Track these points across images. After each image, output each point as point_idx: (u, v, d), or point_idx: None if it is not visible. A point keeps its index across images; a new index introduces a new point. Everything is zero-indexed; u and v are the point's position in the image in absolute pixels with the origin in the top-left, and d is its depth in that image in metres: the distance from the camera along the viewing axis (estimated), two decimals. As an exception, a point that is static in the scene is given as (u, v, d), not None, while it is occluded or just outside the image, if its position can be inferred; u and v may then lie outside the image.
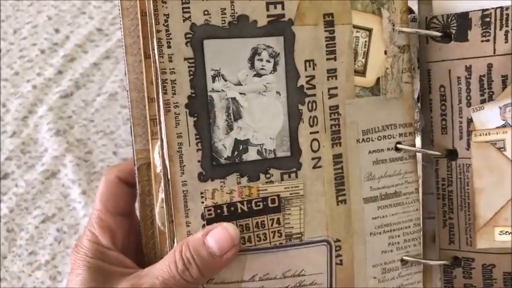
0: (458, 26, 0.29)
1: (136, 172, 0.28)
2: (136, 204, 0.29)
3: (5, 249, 0.49)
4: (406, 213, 0.30)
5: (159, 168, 0.27)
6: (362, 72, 0.29)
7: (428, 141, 0.31)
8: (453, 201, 0.31)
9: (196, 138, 0.25)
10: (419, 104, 0.31)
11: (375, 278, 0.30)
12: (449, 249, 0.32)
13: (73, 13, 0.59)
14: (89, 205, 0.47)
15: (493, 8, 0.28)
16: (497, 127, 0.29)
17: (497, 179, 0.29)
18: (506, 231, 0.30)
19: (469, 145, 0.30)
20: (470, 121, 0.29)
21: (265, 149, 0.27)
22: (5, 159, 0.52)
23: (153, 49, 0.25)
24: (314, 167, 0.28)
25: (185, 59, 0.25)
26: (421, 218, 0.31)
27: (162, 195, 0.27)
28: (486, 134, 0.29)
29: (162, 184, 0.27)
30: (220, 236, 0.25)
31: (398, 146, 0.30)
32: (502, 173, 0.29)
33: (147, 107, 0.26)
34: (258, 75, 0.26)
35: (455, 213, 0.31)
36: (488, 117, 0.29)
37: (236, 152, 0.26)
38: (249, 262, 0.27)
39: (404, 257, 0.30)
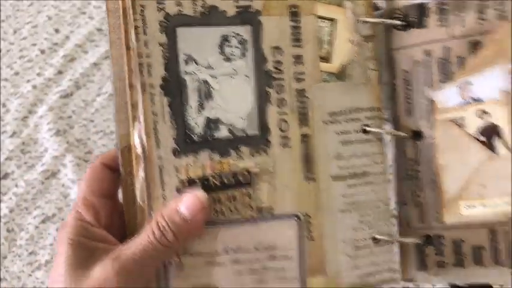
0: (418, 15, 0.31)
1: (119, 155, 0.30)
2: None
3: (5, 249, 0.49)
4: (375, 193, 0.32)
5: (139, 150, 0.29)
6: (328, 59, 0.31)
7: (395, 124, 0.33)
8: (421, 180, 0.32)
9: (170, 117, 0.28)
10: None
11: (346, 254, 0.31)
12: (421, 229, 0.33)
13: (73, 13, 0.58)
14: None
15: (449, -3, 0.31)
16: (457, 105, 0.30)
17: (459, 155, 0.30)
18: (472, 205, 0.31)
19: (432, 125, 0.31)
20: (432, 102, 0.31)
21: (236, 127, 0.29)
22: (5, 159, 0.52)
23: (131, 37, 0.28)
24: (283, 146, 0.30)
25: (160, 44, 0.28)
26: (394, 199, 0.32)
27: (142, 173, 0.30)
28: (447, 112, 0.31)
29: (142, 163, 0.29)
30: (190, 201, 0.27)
31: (366, 128, 0.31)
32: (463, 149, 0.30)
33: (128, 93, 0.29)
34: (228, 59, 0.29)
35: (423, 191, 0.32)
36: (448, 96, 0.30)
37: (208, 130, 0.29)
38: (222, 234, 0.29)
39: (376, 236, 0.32)
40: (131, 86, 0.29)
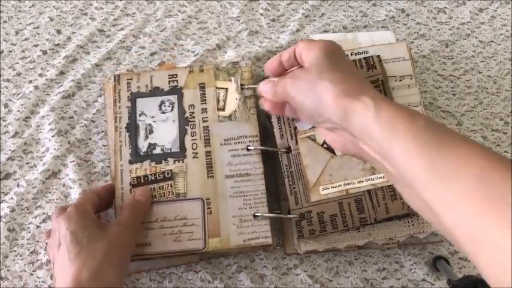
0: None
1: (112, 179, 0.52)
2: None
3: (7, 248, 0.48)
4: (255, 186, 0.49)
5: (113, 168, 0.51)
6: (223, 109, 0.52)
7: (274, 145, 0.51)
8: (294, 176, 0.49)
9: (128, 143, 0.51)
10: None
11: (234, 224, 0.48)
12: (296, 209, 0.48)
13: (74, 14, 0.58)
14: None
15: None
16: (310, 128, 0.49)
17: (315, 157, 0.48)
18: (326, 187, 0.48)
19: (296, 141, 0.50)
20: (295, 128, 0.50)
21: (165, 147, 0.50)
22: (6, 159, 0.51)
23: (115, 104, 0.52)
24: (193, 158, 0.50)
25: (127, 107, 0.52)
26: (266, 190, 0.49)
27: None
28: (305, 133, 0.50)
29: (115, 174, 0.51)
30: (142, 192, 0.47)
31: (249, 147, 0.51)
32: (316, 153, 0.48)
33: (113, 132, 0.53)
34: (163, 112, 0.52)
35: (296, 183, 0.49)
36: (304, 124, 0.50)
37: (149, 149, 0.50)
38: (154, 209, 0.48)
39: (255, 214, 0.48)
40: (114, 128, 0.52)
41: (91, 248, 0.40)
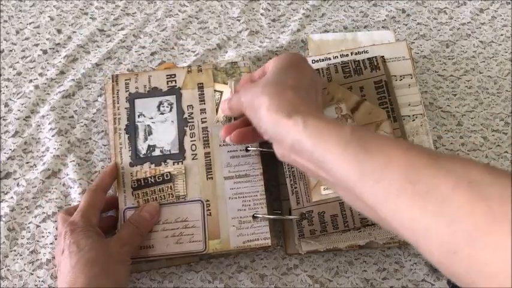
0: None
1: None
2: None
3: (6, 248, 0.48)
4: (254, 187, 0.49)
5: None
6: (215, 113, 0.52)
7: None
8: (295, 176, 0.50)
9: (128, 145, 0.51)
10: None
11: (233, 226, 0.48)
12: (297, 209, 0.49)
13: (75, 14, 0.59)
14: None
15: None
16: None
17: None
18: (327, 187, 0.48)
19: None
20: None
21: (165, 149, 0.51)
22: (7, 158, 0.51)
23: (113, 105, 0.52)
24: (193, 159, 0.50)
25: (125, 108, 0.52)
26: (265, 191, 0.50)
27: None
28: None
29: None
30: (149, 208, 0.48)
31: (248, 148, 0.51)
32: None
33: (113, 138, 0.53)
34: (162, 113, 0.52)
35: (297, 183, 0.49)
36: None
37: (148, 151, 0.51)
38: (155, 212, 0.49)
39: (255, 215, 0.49)
40: (113, 130, 0.52)
41: (90, 258, 0.41)
